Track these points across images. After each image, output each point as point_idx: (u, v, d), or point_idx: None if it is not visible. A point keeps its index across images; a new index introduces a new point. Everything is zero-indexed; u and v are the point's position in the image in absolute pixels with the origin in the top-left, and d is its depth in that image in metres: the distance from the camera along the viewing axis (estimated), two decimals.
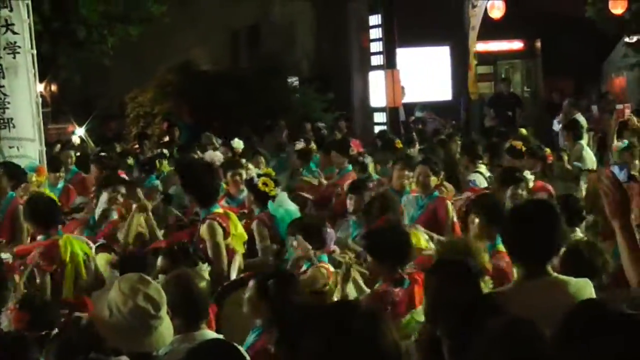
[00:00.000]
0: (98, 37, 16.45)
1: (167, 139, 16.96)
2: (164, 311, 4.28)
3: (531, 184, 8.88)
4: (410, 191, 8.81)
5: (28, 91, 10.77)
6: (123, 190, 8.42)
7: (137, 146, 15.69)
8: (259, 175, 8.52)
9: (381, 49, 21.28)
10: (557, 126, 15.78)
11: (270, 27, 22.61)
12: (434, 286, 4.29)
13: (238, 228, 7.27)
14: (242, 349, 4.31)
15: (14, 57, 10.70)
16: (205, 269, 6.11)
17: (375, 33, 21.77)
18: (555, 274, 4.31)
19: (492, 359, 3.09)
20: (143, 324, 4.21)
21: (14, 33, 10.72)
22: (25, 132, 10.79)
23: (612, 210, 3.73)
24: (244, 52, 23.06)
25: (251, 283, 5.09)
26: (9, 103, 10.69)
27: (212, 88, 19.03)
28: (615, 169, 9.83)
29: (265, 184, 8.15)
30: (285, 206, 8.19)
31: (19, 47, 10.72)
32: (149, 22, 16.95)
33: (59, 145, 14.49)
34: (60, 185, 10.78)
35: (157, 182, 11.08)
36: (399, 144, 12.95)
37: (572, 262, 4.94)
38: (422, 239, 7.07)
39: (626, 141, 11.84)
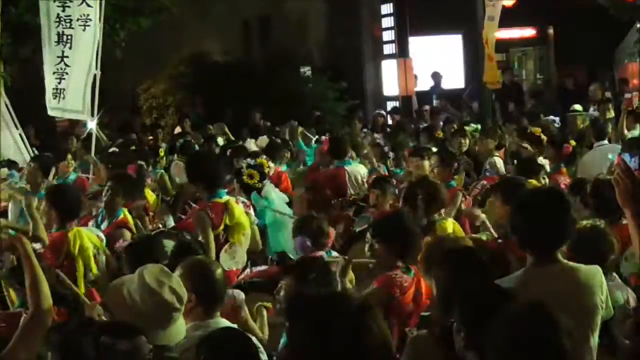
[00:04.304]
0: (109, 29, 16.44)
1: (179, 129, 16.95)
2: (183, 304, 4.32)
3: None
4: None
5: (88, 64, 10.82)
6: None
7: (150, 137, 15.71)
8: (248, 166, 8.46)
9: (393, 38, 21.28)
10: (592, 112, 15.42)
11: (282, 17, 22.57)
12: (445, 275, 4.30)
13: (235, 218, 7.10)
14: (254, 339, 4.32)
15: (84, 30, 10.76)
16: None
17: (388, 22, 21.75)
18: (565, 261, 4.31)
19: (512, 342, 3.07)
20: (166, 316, 4.24)
21: (88, 6, 10.78)
22: (73, 104, 10.90)
23: (623, 198, 3.76)
24: (256, 42, 23.03)
25: (285, 279, 4.85)
26: (67, 74, 10.79)
27: (224, 79, 19.04)
28: (626, 157, 9.74)
29: (250, 176, 8.14)
30: (270, 198, 8.16)
31: (90, 20, 10.76)
32: (160, 14, 16.93)
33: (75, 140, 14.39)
34: (73, 177, 10.78)
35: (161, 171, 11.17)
36: (439, 134, 12.81)
37: (578, 245, 4.91)
38: (450, 227, 6.94)
39: (636, 132, 11.71)
